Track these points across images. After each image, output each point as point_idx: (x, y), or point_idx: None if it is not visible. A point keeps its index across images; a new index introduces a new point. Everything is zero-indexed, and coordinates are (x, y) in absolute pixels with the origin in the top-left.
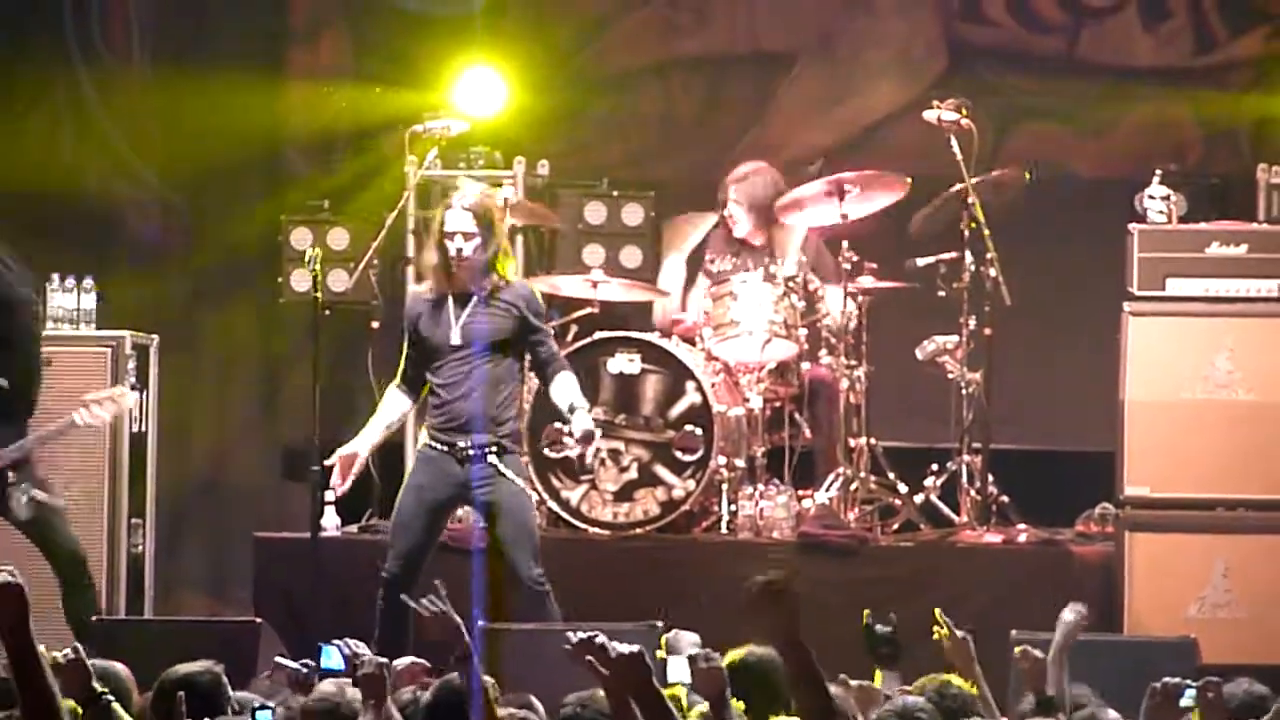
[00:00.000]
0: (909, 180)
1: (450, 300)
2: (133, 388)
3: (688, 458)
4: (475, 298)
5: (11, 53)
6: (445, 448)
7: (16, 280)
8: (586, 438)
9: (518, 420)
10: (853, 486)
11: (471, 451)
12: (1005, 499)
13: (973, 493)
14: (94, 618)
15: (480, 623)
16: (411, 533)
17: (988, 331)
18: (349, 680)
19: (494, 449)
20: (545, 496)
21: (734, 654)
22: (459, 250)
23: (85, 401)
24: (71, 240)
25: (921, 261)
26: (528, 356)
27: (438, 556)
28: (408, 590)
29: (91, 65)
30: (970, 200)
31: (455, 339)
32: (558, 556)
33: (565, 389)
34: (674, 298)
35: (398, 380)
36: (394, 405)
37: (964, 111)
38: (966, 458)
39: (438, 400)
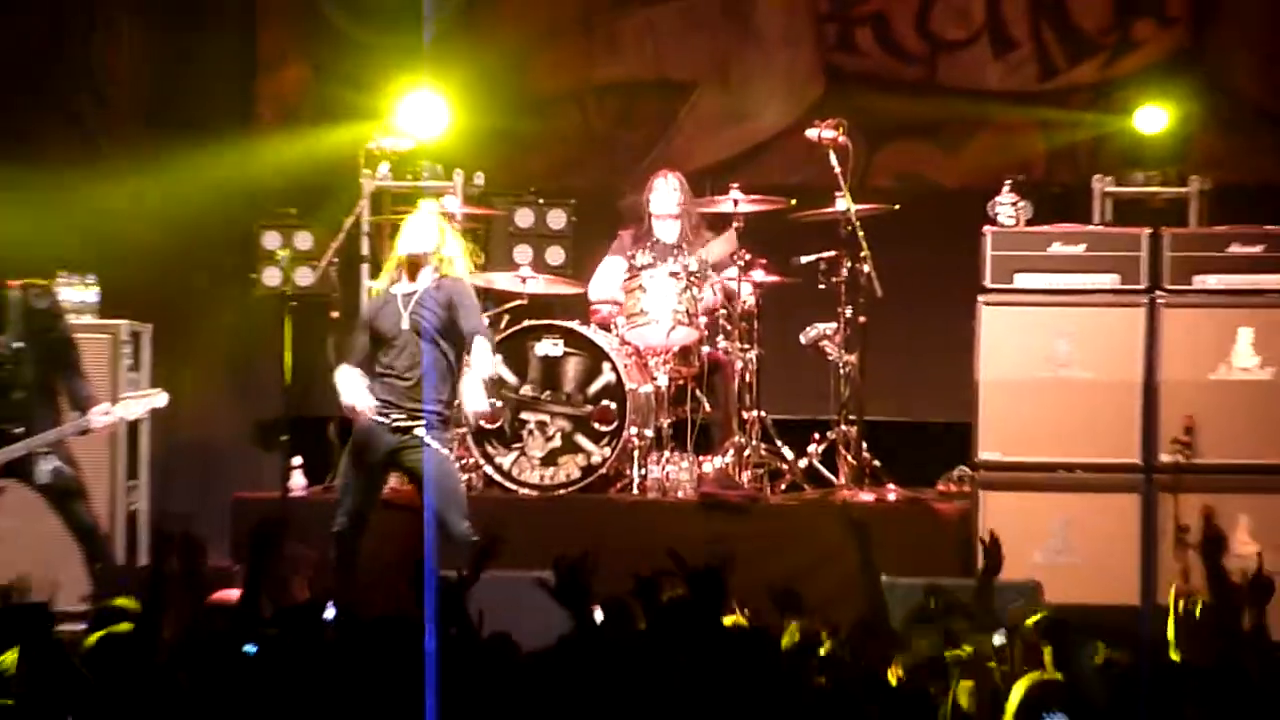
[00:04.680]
0: (793, 201)
1: (399, 295)
2: (130, 369)
3: (604, 428)
4: (419, 292)
5: (29, 85)
6: (381, 419)
7: (54, 313)
8: (475, 415)
9: (451, 398)
10: (746, 453)
11: (402, 424)
12: (877, 463)
13: (849, 458)
14: (98, 565)
15: (431, 569)
16: (354, 492)
17: (862, 319)
18: None
19: (422, 422)
20: (481, 461)
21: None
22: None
23: (123, 397)
24: (76, 238)
25: (805, 259)
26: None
27: (385, 514)
28: (356, 540)
29: (95, 92)
30: (849, 209)
31: (404, 325)
32: (491, 514)
33: (475, 360)
34: (611, 292)
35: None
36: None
37: (840, 130)
38: (844, 428)
39: (379, 379)
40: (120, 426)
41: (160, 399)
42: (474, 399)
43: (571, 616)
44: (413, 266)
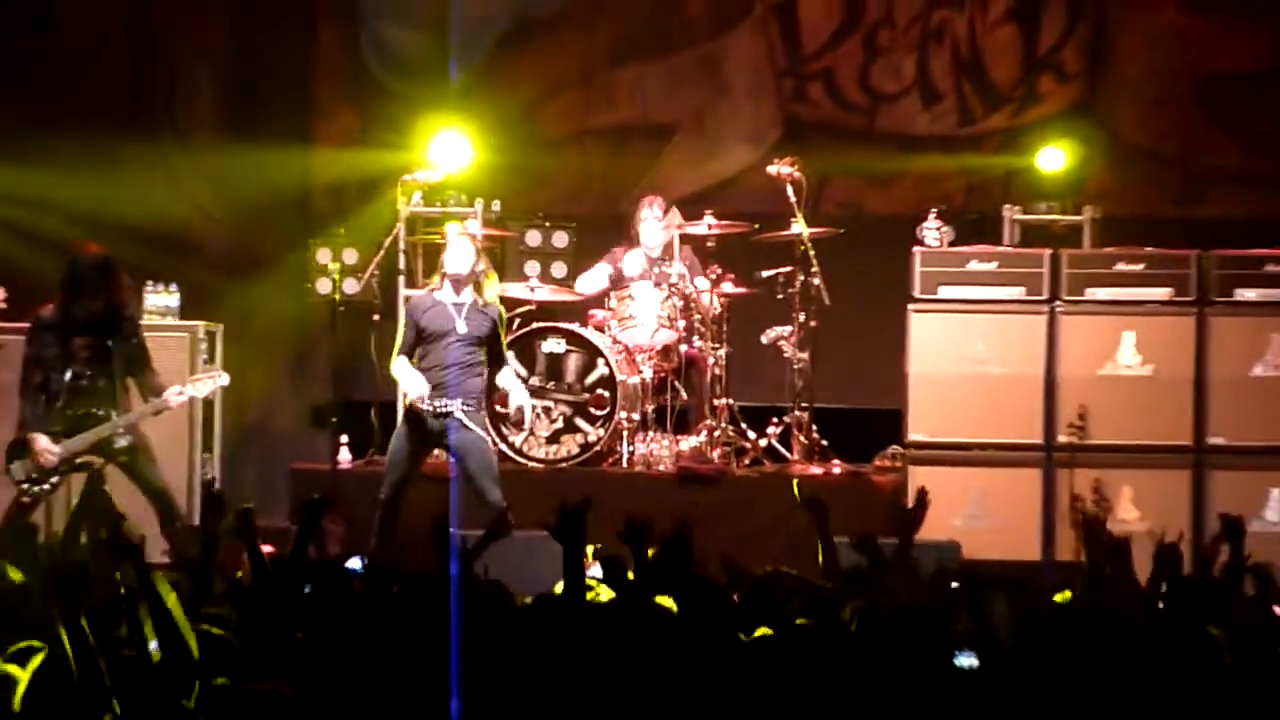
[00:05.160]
0: (756, 225)
1: (448, 303)
2: (205, 362)
3: (599, 413)
4: (466, 304)
5: (122, 131)
6: (427, 406)
7: (136, 321)
8: (519, 414)
9: (483, 390)
10: (716, 434)
11: (445, 410)
12: (824, 443)
13: (801, 438)
14: (175, 524)
15: (454, 530)
16: (400, 468)
17: (813, 324)
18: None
19: (462, 409)
20: (496, 440)
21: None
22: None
23: (192, 379)
24: (162, 256)
25: (766, 273)
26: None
27: (420, 484)
28: (398, 507)
29: (178, 136)
30: (802, 232)
31: (460, 329)
32: (505, 484)
33: (512, 385)
34: (591, 287)
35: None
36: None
37: (795, 167)
38: (797, 413)
39: (424, 371)
40: (195, 405)
41: (223, 378)
42: (528, 413)
43: (565, 553)
44: (455, 282)
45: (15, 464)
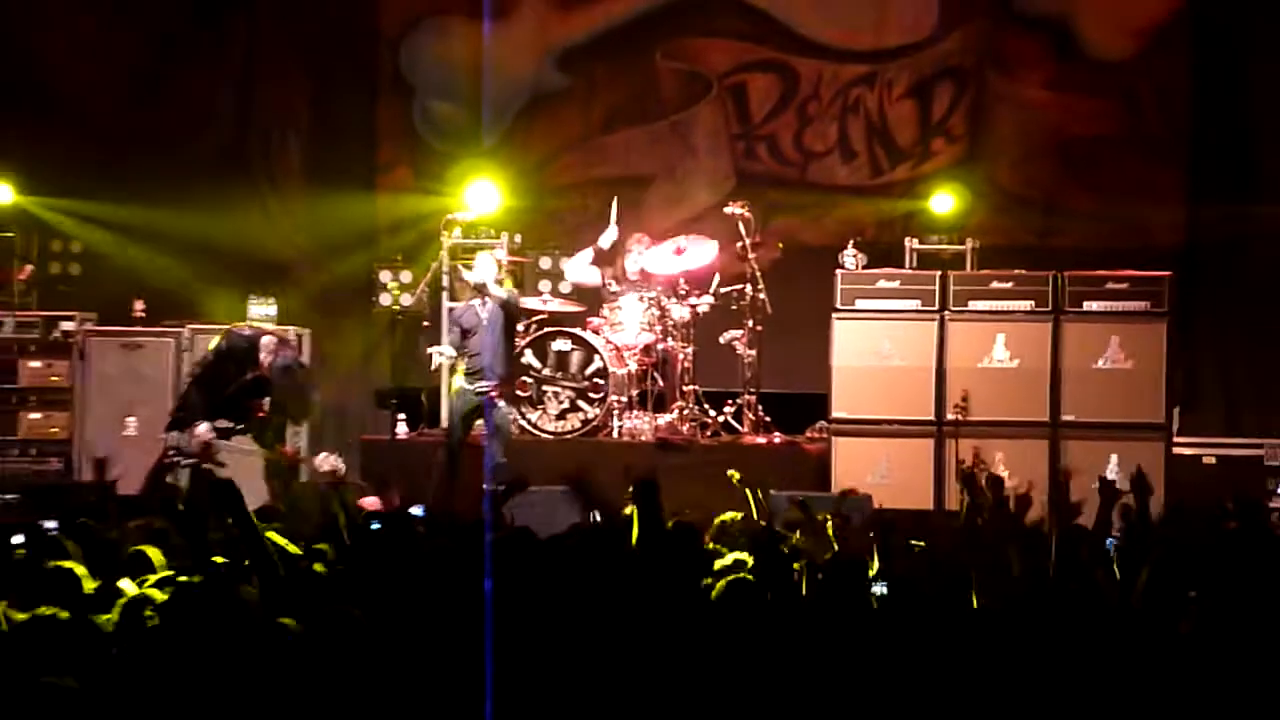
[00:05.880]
0: (715, 242)
1: (475, 305)
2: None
3: (595, 396)
4: (490, 304)
5: (229, 183)
6: (470, 385)
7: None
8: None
9: (511, 373)
10: (685, 412)
11: (484, 390)
12: (768, 419)
13: (750, 415)
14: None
15: (486, 485)
16: (456, 430)
17: (759, 328)
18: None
19: (494, 388)
20: (518, 416)
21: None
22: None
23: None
24: (265, 275)
25: (724, 289)
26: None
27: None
28: (457, 459)
29: (272, 186)
30: (751, 258)
31: (484, 321)
32: (525, 451)
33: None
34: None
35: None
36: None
37: (745, 208)
38: (747, 396)
39: (465, 358)
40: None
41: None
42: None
43: (582, 508)
44: (478, 291)
45: (174, 433)
